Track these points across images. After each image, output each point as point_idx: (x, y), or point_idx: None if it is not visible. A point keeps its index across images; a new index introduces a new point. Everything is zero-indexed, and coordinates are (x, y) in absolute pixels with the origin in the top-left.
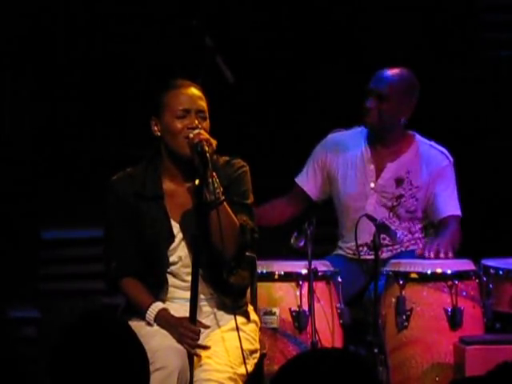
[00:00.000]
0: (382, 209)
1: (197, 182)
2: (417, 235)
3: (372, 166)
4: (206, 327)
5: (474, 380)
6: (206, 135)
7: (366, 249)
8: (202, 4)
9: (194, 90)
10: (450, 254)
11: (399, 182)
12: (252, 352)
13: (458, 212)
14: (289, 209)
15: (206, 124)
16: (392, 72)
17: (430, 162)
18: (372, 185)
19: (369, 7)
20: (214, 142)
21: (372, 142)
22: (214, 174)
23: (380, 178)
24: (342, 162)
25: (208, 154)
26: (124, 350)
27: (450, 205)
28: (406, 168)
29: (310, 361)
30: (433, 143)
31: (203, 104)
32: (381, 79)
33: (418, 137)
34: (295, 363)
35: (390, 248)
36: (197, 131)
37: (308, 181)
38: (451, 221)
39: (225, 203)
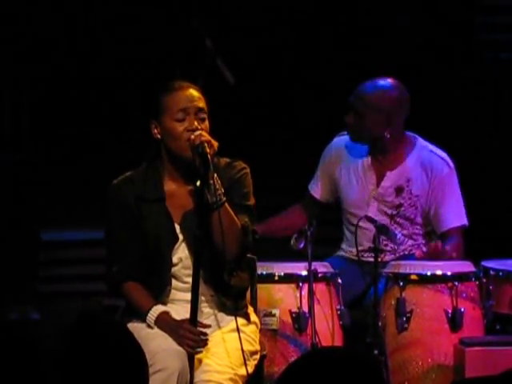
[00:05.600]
0: (384, 216)
1: (198, 183)
2: (419, 241)
3: (372, 174)
4: (207, 326)
5: (473, 381)
6: (207, 137)
7: (367, 254)
8: (202, 5)
9: (193, 91)
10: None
11: (399, 190)
12: (252, 353)
13: (462, 221)
14: (305, 214)
15: (206, 125)
16: (373, 88)
17: (430, 170)
18: (373, 193)
19: (368, 8)
20: (215, 144)
21: (372, 149)
22: (215, 175)
23: (380, 187)
24: (345, 167)
25: (209, 156)
26: (121, 352)
27: (452, 215)
28: (406, 177)
29: (316, 360)
30: (433, 148)
31: (202, 104)
32: (360, 96)
33: (419, 141)
34: (300, 363)
35: (394, 253)
36: (198, 133)
37: (318, 187)
38: (453, 233)
39: (226, 204)
